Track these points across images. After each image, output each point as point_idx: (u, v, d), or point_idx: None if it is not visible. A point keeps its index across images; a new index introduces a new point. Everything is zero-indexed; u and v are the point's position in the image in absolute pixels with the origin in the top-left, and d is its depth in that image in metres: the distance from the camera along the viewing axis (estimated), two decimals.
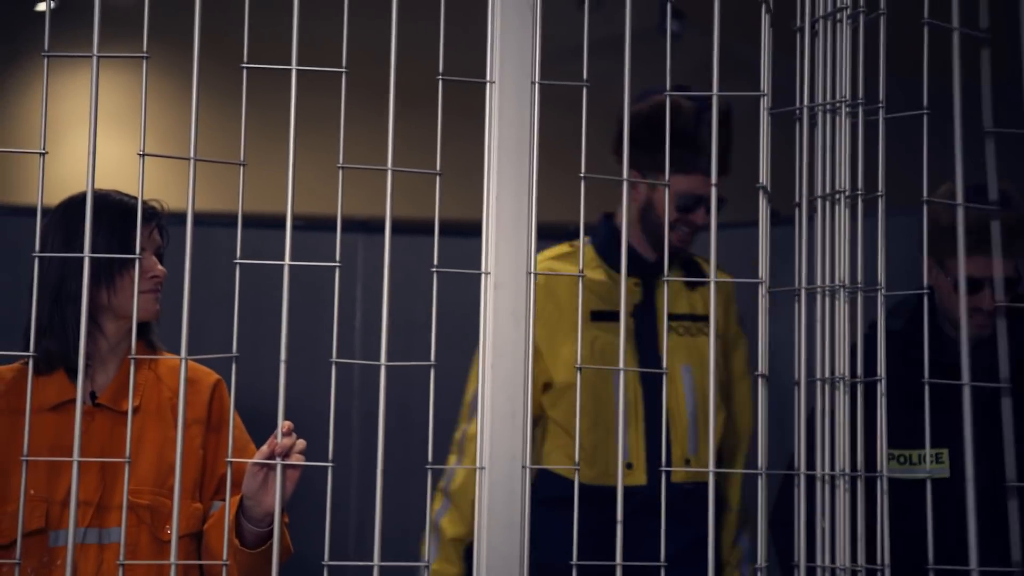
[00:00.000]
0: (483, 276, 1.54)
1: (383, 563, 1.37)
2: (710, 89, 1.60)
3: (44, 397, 1.87)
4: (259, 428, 1.68)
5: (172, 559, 1.46)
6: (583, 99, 1.55)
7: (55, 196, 2.08)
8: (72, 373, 1.89)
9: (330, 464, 1.43)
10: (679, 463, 2.58)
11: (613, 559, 1.48)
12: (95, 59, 1.48)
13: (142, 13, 1.52)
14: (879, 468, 1.59)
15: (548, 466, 2.53)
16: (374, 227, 2.61)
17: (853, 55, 1.59)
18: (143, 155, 1.53)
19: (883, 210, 1.57)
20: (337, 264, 1.53)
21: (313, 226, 1.99)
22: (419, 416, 2.84)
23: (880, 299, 1.64)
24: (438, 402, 1.57)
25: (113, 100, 3.94)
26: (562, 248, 2.71)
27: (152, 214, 1.84)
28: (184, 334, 1.50)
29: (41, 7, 4.78)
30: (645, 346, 2.59)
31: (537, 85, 1.52)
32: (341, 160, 1.51)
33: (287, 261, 1.51)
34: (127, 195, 1.88)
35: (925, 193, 1.67)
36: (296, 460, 1.60)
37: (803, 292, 1.58)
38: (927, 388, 1.62)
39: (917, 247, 2.22)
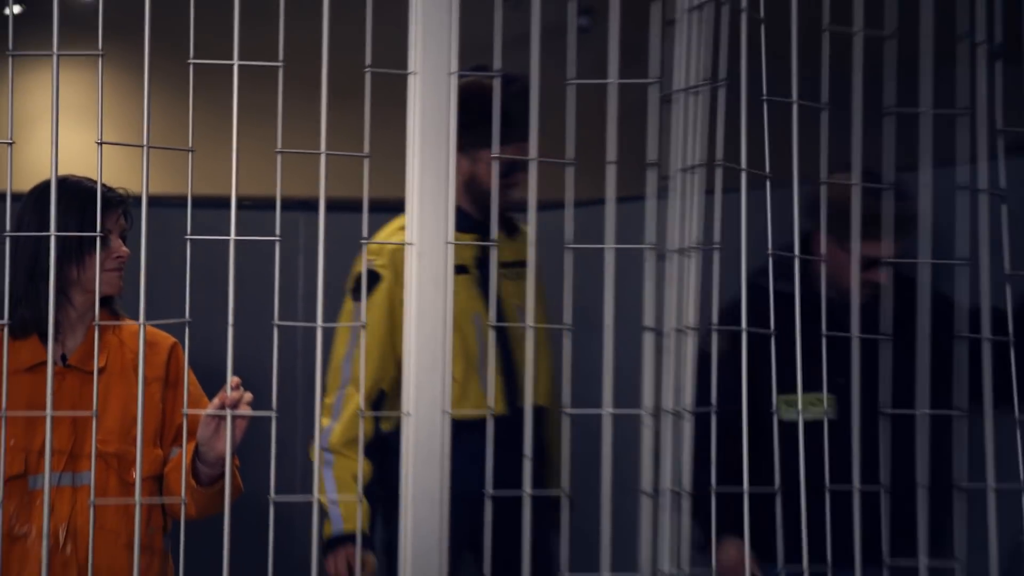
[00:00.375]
0: (407, 246, 1.74)
1: (316, 496, 1.57)
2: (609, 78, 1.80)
3: (20, 359, 2.08)
4: (212, 385, 1.89)
5: (136, 498, 1.66)
6: (496, 89, 1.75)
7: (25, 182, 2.27)
8: (45, 338, 2.10)
9: (273, 414, 1.63)
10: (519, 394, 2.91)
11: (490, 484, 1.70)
12: (55, 57, 1.67)
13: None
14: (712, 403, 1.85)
15: (465, 412, 2.74)
16: (312, 206, 2.80)
17: (715, 42, 1.81)
18: (101, 144, 1.72)
19: (746, 185, 1.79)
20: (277, 239, 1.73)
21: (257, 206, 2.17)
22: None
23: (737, 267, 1.86)
24: None
25: (74, 94, 4.14)
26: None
27: (119, 200, 2.03)
28: (142, 302, 1.70)
29: (8, 11, 4.98)
30: (487, 292, 2.88)
31: (455, 76, 1.72)
32: (279, 146, 1.70)
33: (232, 236, 1.70)
34: (95, 182, 2.08)
35: (824, 175, 1.92)
36: (244, 411, 1.81)
37: (653, 253, 1.81)
38: (773, 339, 1.88)
39: (816, 222, 2.47)
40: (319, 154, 1.72)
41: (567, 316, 1.85)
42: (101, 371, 2.06)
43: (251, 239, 1.70)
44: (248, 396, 1.82)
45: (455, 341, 2.72)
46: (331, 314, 1.68)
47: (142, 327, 1.67)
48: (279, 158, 1.70)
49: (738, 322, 2.29)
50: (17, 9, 5.65)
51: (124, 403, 2.03)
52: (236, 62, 1.70)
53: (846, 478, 2.03)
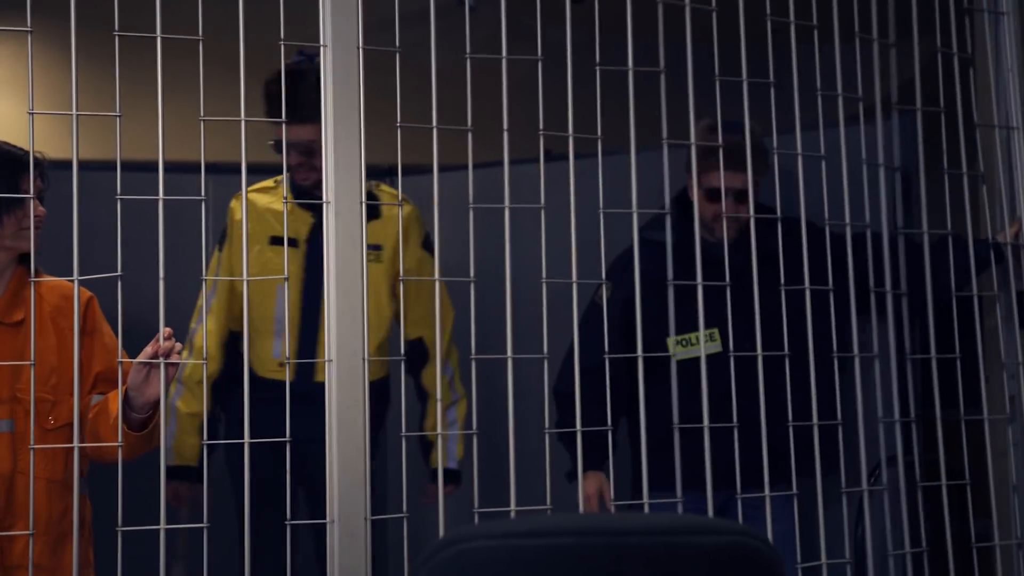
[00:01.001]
0: (324, 206, 1.89)
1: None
2: (500, 54, 1.99)
3: None
4: (138, 336, 2.00)
5: (75, 443, 1.77)
6: (396, 63, 1.92)
7: None
8: None
9: (204, 362, 1.76)
10: (321, 367, 2.91)
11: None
12: None
13: None
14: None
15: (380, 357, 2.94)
16: (224, 169, 2.94)
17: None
18: (32, 113, 1.83)
19: (573, 151, 1.99)
20: (203, 199, 1.86)
21: (180, 169, 2.29)
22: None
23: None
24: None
25: (6, 67, 4.23)
26: (267, 183, 3.09)
27: (37, 163, 2.13)
28: (75, 260, 1.81)
29: None
30: (312, 269, 2.97)
31: (361, 50, 1.88)
32: (202, 113, 1.83)
33: (161, 197, 1.83)
34: (15, 147, 2.17)
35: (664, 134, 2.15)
36: (175, 359, 1.93)
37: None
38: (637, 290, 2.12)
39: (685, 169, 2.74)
40: (240, 120, 1.86)
41: (472, 271, 2.02)
42: (22, 323, 2.15)
43: (178, 198, 1.83)
44: (178, 346, 1.94)
45: (260, 310, 2.98)
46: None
47: (76, 283, 1.79)
48: (201, 125, 1.83)
49: (623, 273, 2.56)
50: None
51: (42, 354, 2.12)
52: (159, 35, 1.83)
53: (727, 409, 2.29)
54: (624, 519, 0.99)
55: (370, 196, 3.15)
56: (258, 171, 2.72)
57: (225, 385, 2.91)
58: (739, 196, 2.68)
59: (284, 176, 2.46)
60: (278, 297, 2.93)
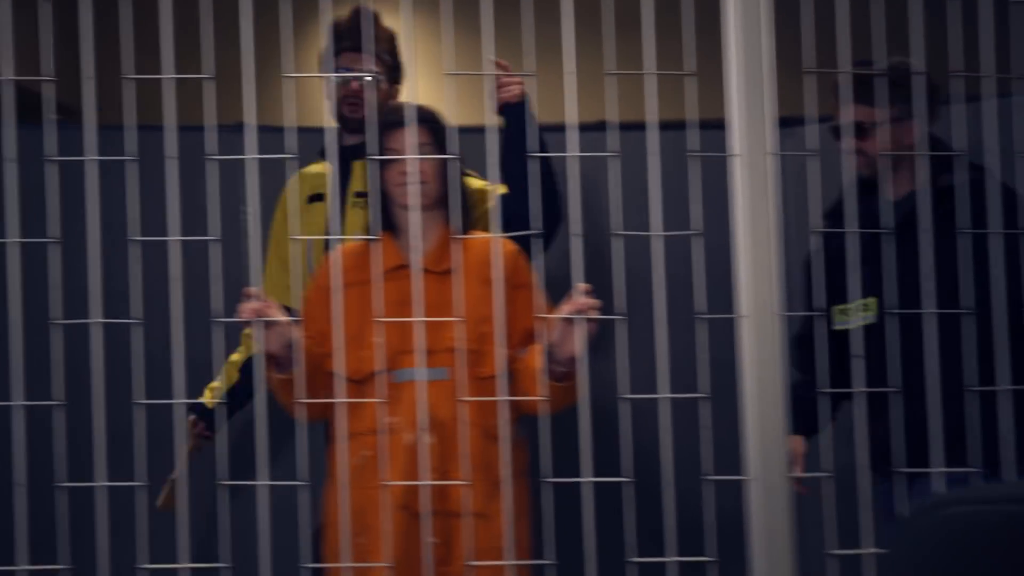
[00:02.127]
0: (731, 158, 1.85)
1: None
2: None
3: (379, 262, 2.35)
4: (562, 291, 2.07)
5: (503, 396, 1.84)
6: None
7: None
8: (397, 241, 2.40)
9: (623, 318, 1.78)
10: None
11: None
12: None
13: None
14: None
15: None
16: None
17: None
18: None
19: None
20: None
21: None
22: None
23: None
24: None
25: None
26: (316, 167, 3.14)
27: (424, 118, 2.33)
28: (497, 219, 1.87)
29: None
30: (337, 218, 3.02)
31: None
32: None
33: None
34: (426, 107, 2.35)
35: None
36: (592, 315, 1.98)
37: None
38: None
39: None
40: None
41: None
42: (448, 272, 2.30)
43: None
44: (595, 302, 1.99)
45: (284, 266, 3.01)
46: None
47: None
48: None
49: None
50: None
51: (473, 304, 2.25)
52: None
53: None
54: None
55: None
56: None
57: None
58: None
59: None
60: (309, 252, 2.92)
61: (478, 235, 2.29)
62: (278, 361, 2.29)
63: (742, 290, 1.85)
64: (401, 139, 2.34)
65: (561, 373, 2.12)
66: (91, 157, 1.85)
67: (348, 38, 3.03)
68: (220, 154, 1.80)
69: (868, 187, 2.80)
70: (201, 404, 3.04)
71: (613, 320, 1.83)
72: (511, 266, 2.27)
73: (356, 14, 3.00)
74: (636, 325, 1.88)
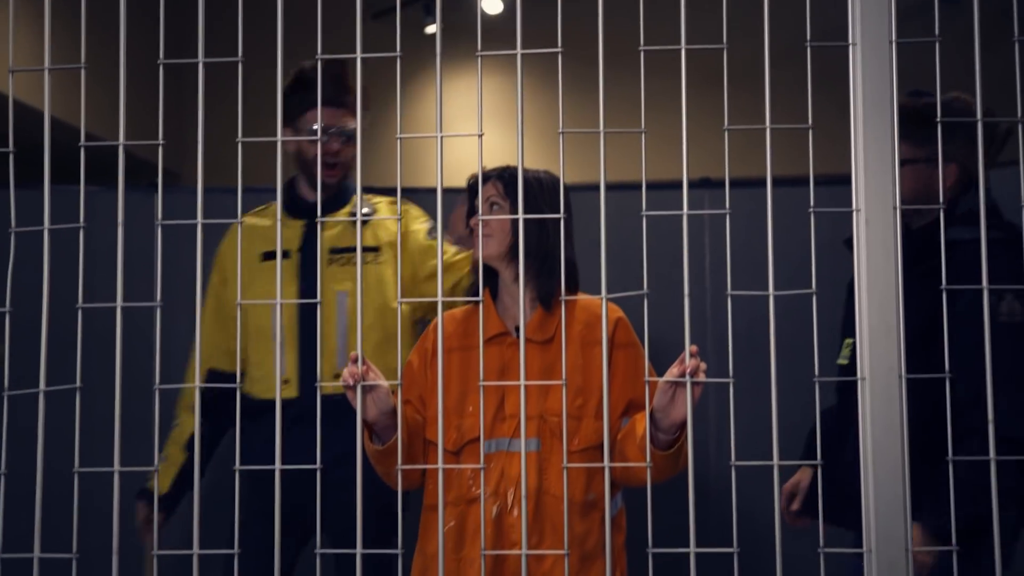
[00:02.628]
0: (854, 213, 1.77)
1: None
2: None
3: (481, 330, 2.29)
4: (666, 356, 1.99)
5: (605, 463, 1.76)
6: (936, 54, 1.77)
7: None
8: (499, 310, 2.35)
9: (730, 380, 1.70)
10: (328, 377, 2.89)
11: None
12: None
13: None
14: None
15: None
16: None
17: None
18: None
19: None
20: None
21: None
22: None
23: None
24: None
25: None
26: (258, 209, 3.12)
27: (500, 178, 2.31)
28: (603, 277, 1.81)
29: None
30: (306, 276, 2.92)
31: (894, 44, 1.75)
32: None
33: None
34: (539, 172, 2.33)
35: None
36: (700, 378, 1.90)
37: None
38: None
39: None
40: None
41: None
42: (551, 341, 2.23)
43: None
44: (703, 365, 1.91)
45: (256, 324, 2.93)
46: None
47: (604, 301, 1.79)
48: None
49: None
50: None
51: (571, 373, 2.18)
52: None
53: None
54: None
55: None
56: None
57: (220, 409, 2.81)
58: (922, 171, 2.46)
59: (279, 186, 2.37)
60: (274, 314, 2.86)
61: (582, 297, 2.24)
62: (374, 429, 2.24)
63: (863, 351, 1.76)
64: (483, 195, 2.31)
65: (667, 441, 2.03)
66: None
67: (311, 94, 2.89)
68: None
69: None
70: (149, 490, 2.98)
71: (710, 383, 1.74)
72: (614, 332, 2.21)
73: (334, 64, 2.84)
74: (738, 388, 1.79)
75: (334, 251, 2.98)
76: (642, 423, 2.10)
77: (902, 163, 2.54)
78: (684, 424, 1.97)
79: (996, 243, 2.11)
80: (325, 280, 2.94)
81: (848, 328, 2.42)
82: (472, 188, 2.41)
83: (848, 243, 2.56)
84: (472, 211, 2.38)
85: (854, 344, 2.24)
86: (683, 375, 1.89)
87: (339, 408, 2.39)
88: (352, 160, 3.01)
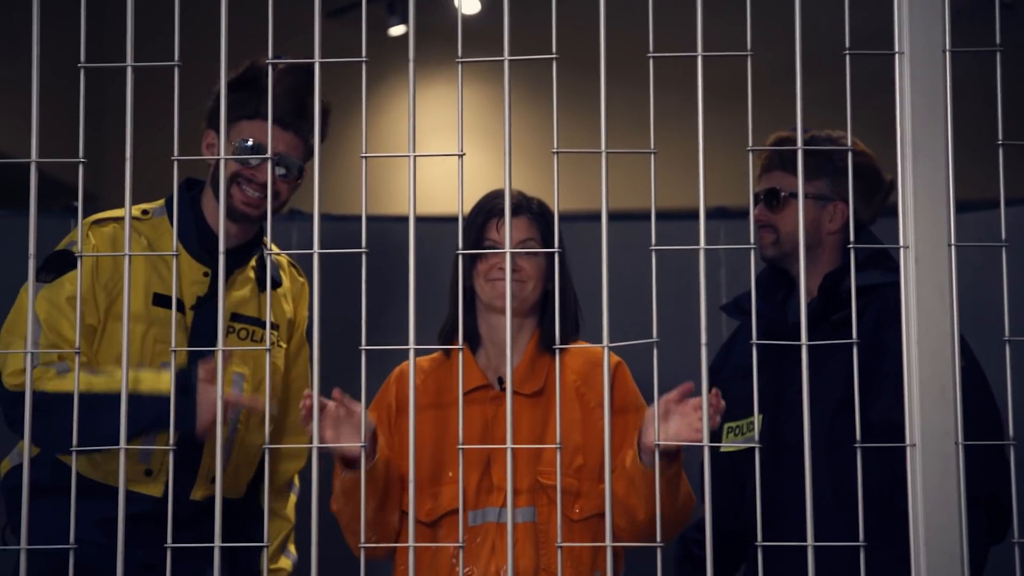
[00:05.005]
0: (902, 250, 1.52)
1: None
2: None
3: (455, 383, 2.01)
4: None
5: (607, 541, 1.48)
6: (998, 63, 1.52)
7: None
8: (476, 358, 2.06)
9: (756, 445, 1.44)
10: (203, 479, 2.31)
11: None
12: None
13: None
14: None
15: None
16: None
17: None
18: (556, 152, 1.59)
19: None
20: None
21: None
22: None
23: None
24: None
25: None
26: (134, 211, 2.34)
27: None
28: (605, 322, 1.54)
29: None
30: (200, 343, 2.25)
31: (948, 54, 1.50)
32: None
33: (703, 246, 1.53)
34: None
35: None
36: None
37: None
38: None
39: None
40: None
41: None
42: (541, 393, 1.96)
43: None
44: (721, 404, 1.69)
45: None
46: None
47: (606, 350, 1.52)
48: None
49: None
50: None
51: (566, 431, 1.90)
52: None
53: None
54: None
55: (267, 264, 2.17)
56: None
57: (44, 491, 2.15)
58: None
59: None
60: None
61: (578, 345, 1.96)
62: (348, 460, 1.92)
63: (913, 413, 1.50)
64: (503, 230, 2.02)
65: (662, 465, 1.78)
66: None
67: (255, 100, 2.25)
68: None
69: (778, 275, 2.42)
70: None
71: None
72: (613, 381, 1.93)
73: (297, 76, 2.21)
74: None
75: (235, 318, 2.36)
76: (629, 455, 1.86)
77: (789, 195, 2.33)
78: (677, 450, 1.77)
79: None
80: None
81: (737, 403, 2.11)
82: (479, 221, 2.11)
83: (725, 309, 2.37)
84: (476, 243, 2.07)
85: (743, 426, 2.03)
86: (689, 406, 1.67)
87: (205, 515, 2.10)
88: (283, 200, 2.39)
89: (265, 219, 2.22)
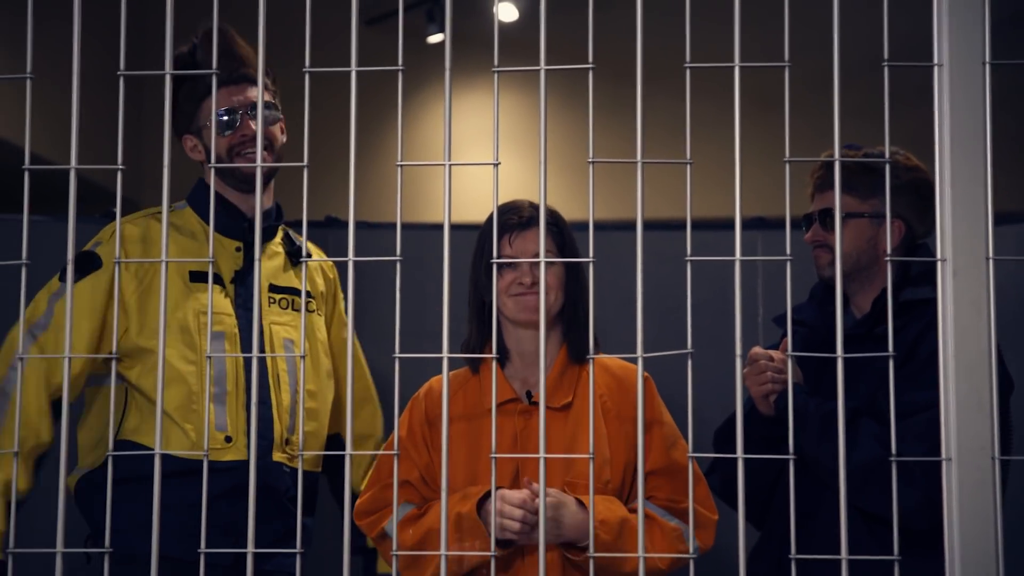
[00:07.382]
0: (939, 263, 1.51)
1: None
2: None
3: (486, 396, 2.01)
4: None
5: (639, 552, 1.48)
6: None
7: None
8: (505, 372, 2.07)
9: (791, 456, 1.43)
10: (278, 442, 2.34)
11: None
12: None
13: None
14: None
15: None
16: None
17: None
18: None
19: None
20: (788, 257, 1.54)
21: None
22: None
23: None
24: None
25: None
26: (152, 210, 2.44)
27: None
28: (639, 334, 1.53)
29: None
30: (244, 312, 2.36)
31: (988, 66, 1.49)
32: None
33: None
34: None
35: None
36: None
37: None
38: None
39: None
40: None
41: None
42: (570, 407, 1.96)
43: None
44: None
45: (174, 370, 2.22)
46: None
47: (640, 362, 1.51)
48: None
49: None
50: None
51: (595, 445, 1.90)
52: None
53: None
54: None
55: (294, 245, 2.47)
56: None
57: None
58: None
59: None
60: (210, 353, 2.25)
61: (604, 358, 1.96)
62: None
63: (950, 428, 1.49)
64: (522, 244, 2.02)
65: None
66: None
67: (199, 79, 2.25)
68: None
69: (831, 293, 2.38)
70: None
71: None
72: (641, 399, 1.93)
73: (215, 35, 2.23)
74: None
75: (273, 289, 2.44)
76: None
77: (844, 217, 2.31)
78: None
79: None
80: (269, 325, 2.40)
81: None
82: (491, 238, 2.11)
83: (777, 321, 2.34)
84: (488, 254, 2.08)
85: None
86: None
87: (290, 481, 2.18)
88: (280, 142, 2.42)
89: (273, 175, 2.41)
